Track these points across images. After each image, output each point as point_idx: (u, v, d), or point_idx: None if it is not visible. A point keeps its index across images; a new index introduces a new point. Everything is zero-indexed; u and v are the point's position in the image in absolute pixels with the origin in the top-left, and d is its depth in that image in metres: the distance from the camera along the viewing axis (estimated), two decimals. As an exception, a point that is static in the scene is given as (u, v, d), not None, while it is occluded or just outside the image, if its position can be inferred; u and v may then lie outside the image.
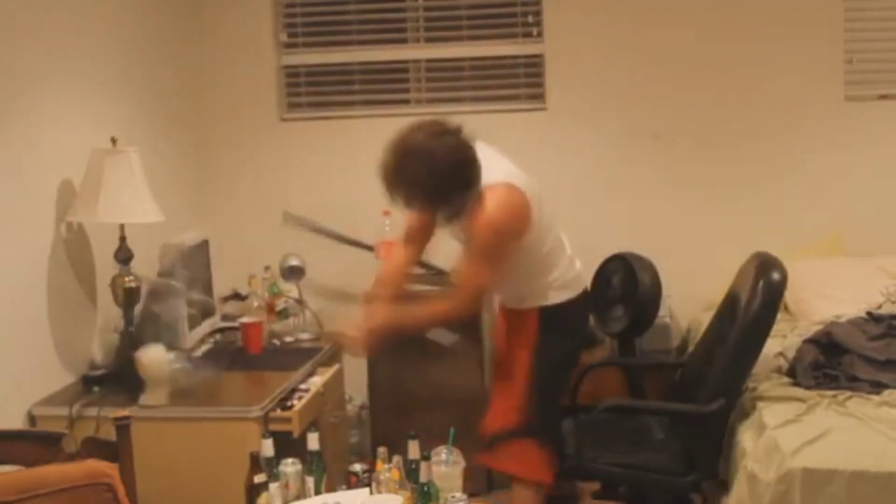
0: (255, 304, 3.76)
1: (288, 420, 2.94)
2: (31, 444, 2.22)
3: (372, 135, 4.45)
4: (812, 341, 3.29)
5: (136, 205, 3.13)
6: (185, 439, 2.82)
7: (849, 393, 2.96)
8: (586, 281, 3.17)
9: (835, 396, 2.93)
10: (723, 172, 4.33)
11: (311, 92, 4.56)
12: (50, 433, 2.24)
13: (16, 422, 2.85)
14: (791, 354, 3.28)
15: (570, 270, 3.03)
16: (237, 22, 4.45)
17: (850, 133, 4.25)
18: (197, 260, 3.60)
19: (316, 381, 3.29)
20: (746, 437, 2.86)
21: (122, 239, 3.19)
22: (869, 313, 3.46)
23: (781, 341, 3.44)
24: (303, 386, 3.21)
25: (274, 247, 4.32)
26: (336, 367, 3.57)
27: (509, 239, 2.79)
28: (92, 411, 2.82)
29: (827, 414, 2.82)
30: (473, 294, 2.90)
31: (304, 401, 3.06)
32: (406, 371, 4.05)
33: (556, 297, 2.99)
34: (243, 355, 3.39)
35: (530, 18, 4.40)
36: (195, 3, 4.39)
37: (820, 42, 4.23)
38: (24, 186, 2.97)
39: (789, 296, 4.00)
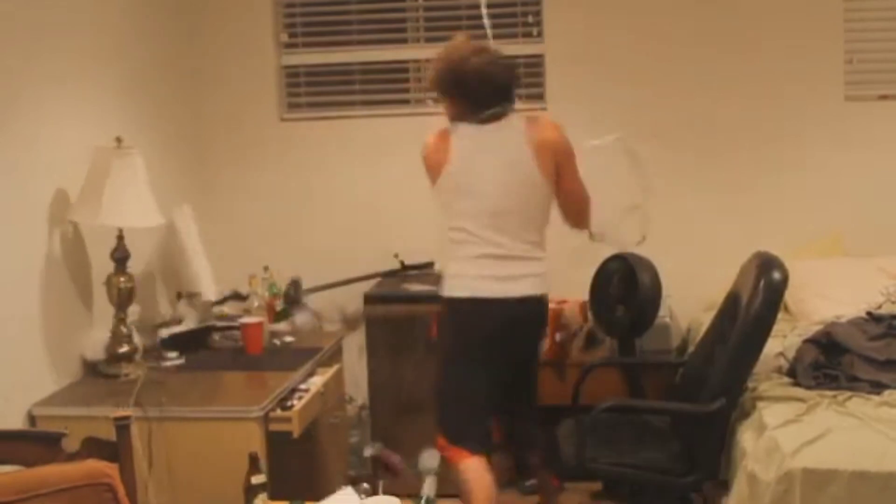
0: (255, 303, 3.76)
1: (288, 420, 2.93)
2: (31, 444, 2.22)
3: (372, 135, 4.50)
4: (812, 341, 3.29)
5: (138, 207, 3.13)
6: (185, 439, 2.82)
7: (849, 393, 2.96)
8: (509, 291, 2.98)
9: (835, 396, 2.93)
10: (723, 172, 4.33)
11: (311, 92, 4.56)
12: (50, 433, 2.23)
13: (16, 422, 2.85)
14: (791, 354, 3.28)
15: (465, 268, 3.00)
16: (237, 22, 4.45)
17: (850, 133, 4.25)
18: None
19: (316, 381, 3.29)
20: (747, 438, 2.86)
21: (120, 238, 3.20)
22: (869, 313, 3.46)
23: (781, 341, 3.44)
24: (303, 386, 3.21)
25: (274, 246, 4.33)
26: (336, 367, 3.57)
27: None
28: (92, 411, 2.82)
29: (827, 414, 2.82)
30: None
31: (304, 401, 3.06)
32: (406, 371, 4.05)
33: (448, 289, 3.03)
34: (243, 355, 3.39)
35: (530, 18, 4.40)
36: (195, 3, 4.39)
37: (820, 42, 4.23)
38: (23, 186, 2.97)
39: (789, 296, 4.00)
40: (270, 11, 4.47)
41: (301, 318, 4.13)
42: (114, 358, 3.18)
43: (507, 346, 3.04)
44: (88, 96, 3.38)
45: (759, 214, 4.30)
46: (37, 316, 3.03)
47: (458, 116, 3.02)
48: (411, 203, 4.44)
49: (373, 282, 4.32)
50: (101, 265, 3.24)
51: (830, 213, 4.26)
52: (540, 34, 4.40)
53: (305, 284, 4.30)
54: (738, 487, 2.77)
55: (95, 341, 3.22)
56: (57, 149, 3.15)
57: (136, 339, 3.27)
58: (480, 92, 2.97)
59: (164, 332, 3.45)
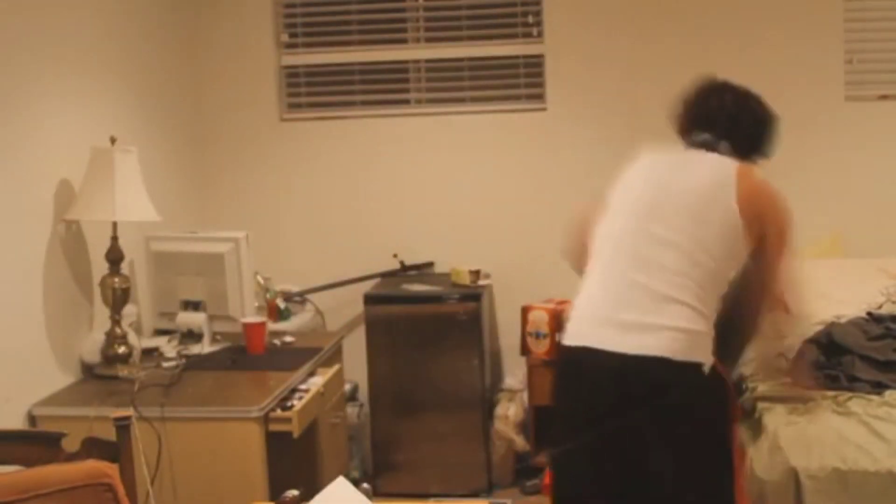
0: (256, 303, 3.76)
1: (288, 420, 2.93)
2: (31, 444, 2.22)
3: (372, 135, 4.50)
4: (812, 341, 3.28)
5: (132, 204, 3.14)
6: (185, 439, 2.81)
7: (849, 393, 2.95)
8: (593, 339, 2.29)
9: (835, 397, 2.93)
10: (723, 172, 4.33)
11: (311, 92, 4.56)
12: (50, 433, 2.23)
13: (16, 422, 2.85)
14: (791, 355, 3.28)
15: (580, 304, 2.38)
16: (237, 22, 4.45)
17: (850, 133, 4.26)
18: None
19: (316, 381, 3.29)
20: (747, 438, 2.86)
21: (114, 239, 3.19)
22: (869, 313, 3.45)
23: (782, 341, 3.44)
24: (303, 386, 3.21)
25: (274, 246, 4.33)
26: (336, 367, 3.57)
27: None
28: (92, 411, 2.81)
29: (827, 414, 2.82)
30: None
31: (304, 401, 3.06)
32: (406, 371, 4.05)
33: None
34: (244, 355, 3.39)
35: (530, 18, 4.40)
36: (195, 3, 4.39)
37: (820, 42, 4.23)
38: (23, 185, 2.97)
39: (789, 295, 4.00)
40: (270, 11, 4.47)
41: (301, 319, 4.14)
42: (109, 360, 3.18)
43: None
44: (89, 96, 3.38)
45: (759, 214, 4.29)
46: (38, 316, 3.02)
47: None
48: (411, 203, 4.45)
49: (372, 282, 4.32)
50: (102, 268, 3.24)
51: (830, 213, 4.26)
52: (540, 34, 4.40)
53: (305, 284, 4.30)
54: (739, 487, 2.76)
55: (92, 343, 3.22)
56: (57, 148, 3.15)
57: (133, 340, 3.27)
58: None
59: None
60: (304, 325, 4.14)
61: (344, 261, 4.40)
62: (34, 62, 3.05)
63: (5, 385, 2.82)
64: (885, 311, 3.49)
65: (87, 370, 3.22)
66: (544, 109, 4.41)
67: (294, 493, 2.08)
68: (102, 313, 3.26)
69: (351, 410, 4.15)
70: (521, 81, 4.46)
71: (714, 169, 2.44)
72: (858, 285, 3.79)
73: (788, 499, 2.52)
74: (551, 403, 2.48)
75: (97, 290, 3.26)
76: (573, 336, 2.34)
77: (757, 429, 2.85)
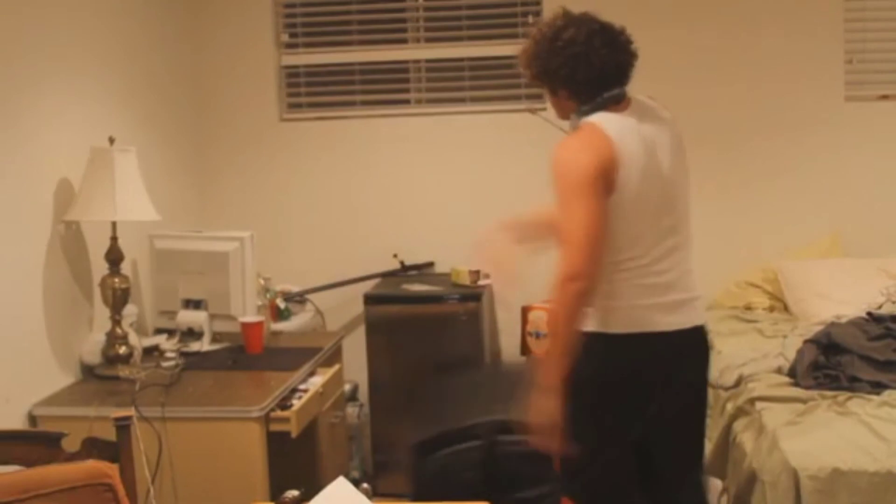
0: (256, 303, 3.76)
1: (286, 420, 2.93)
2: (31, 444, 2.22)
3: (372, 135, 4.50)
4: (812, 341, 3.29)
5: (132, 204, 3.14)
6: (185, 439, 2.81)
7: (849, 393, 2.96)
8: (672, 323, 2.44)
9: (835, 397, 2.93)
10: (722, 173, 4.33)
11: (311, 92, 4.56)
12: (50, 433, 2.23)
13: (16, 422, 2.85)
14: (791, 354, 3.28)
15: (638, 294, 2.46)
16: (237, 22, 4.45)
17: (850, 133, 4.25)
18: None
19: (316, 381, 3.29)
20: (746, 438, 2.86)
21: (114, 239, 3.19)
22: (869, 313, 3.46)
23: (782, 341, 3.44)
24: (302, 386, 3.21)
25: (274, 246, 4.33)
26: (336, 367, 3.57)
27: (581, 169, 2.33)
28: (92, 411, 2.82)
29: (827, 415, 2.82)
30: (580, 243, 2.27)
31: (303, 401, 3.06)
32: (406, 371, 4.05)
33: (597, 322, 2.41)
34: (244, 355, 3.39)
35: (530, 18, 4.40)
36: (195, 3, 4.39)
37: (820, 42, 4.23)
38: (22, 186, 2.97)
39: (789, 296, 4.01)
40: (270, 11, 4.48)
41: (301, 319, 4.14)
42: (110, 360, 3.18)
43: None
44: (88, 96, 3.38)
45: (758, 214, 4.30)
46: (38, 316, 3.02)
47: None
48: (411, 203, 4.45)
49: (372, 282, 4.32)
50: (102, 268, 3.24)
51: (830, 213, 4.26)
52: (540, 34, 4.39)
53: (305, 284, 4.30)
54: (739, 487, 2.77)
55: (92, 344, 3.22)
56: (56, 148, 3.15)
57: (134, 340, 3.27)
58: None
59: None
60: (304, 325, 4.14)
61: (344, 261, 4.40)
62: (34, 62, 3.05)
63: (5, 385, 2.82)
64: (885, 311, 3.49)
65: (88, 370, 3.22)
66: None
67: (294, 493, 2.08)
68: (102, 313, 3.26)
69: (351, 410, 4.15)
70: (521, 81, 4.45)
71: (670, 133, 2.72)
72: (858, 285, 3.79)
73: (788, 499, 2.52)
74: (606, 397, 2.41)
75: (97, 291, 3.26)
76: (640, 323, 2.45)
77: (757, 429, 2.85)
